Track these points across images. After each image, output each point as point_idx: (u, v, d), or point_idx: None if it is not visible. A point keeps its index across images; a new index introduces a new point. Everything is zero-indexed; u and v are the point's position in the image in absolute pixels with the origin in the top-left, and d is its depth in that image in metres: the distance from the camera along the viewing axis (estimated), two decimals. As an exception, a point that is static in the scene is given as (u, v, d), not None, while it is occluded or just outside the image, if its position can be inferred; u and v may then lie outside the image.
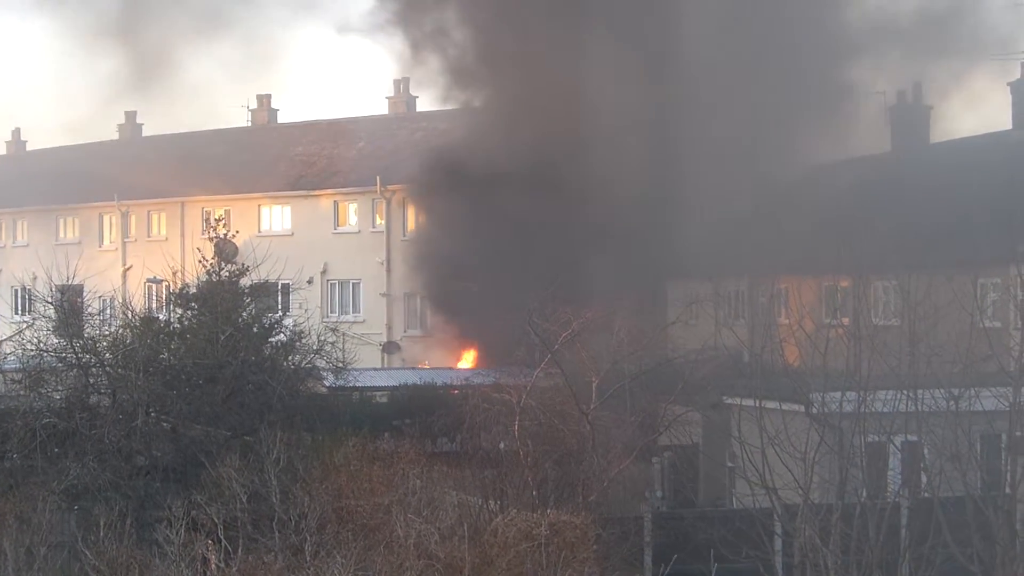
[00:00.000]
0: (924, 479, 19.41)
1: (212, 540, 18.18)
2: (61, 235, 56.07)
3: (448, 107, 44.77)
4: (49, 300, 25.74)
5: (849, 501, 18.59)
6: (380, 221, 48.42)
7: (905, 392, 18.52)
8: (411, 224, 47.51)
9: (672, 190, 39.28)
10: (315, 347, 26.45)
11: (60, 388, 24.52)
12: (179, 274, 28.10)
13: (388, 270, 47.31)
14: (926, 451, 19.19)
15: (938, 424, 18.64)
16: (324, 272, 48.34)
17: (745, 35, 40.25)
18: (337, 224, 49.80)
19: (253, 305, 26.77)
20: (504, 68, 39.26)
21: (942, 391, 18.59)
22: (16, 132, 65.96)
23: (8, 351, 26.48)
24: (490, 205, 38.70)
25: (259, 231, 48.62)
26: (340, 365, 26.93)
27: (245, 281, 26.97)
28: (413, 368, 38.91)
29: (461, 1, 40.89)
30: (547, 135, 37.96)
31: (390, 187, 47.31)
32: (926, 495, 19.18)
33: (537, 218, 38.05)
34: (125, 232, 54.62)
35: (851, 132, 42.93)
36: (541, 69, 38.69)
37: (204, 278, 26.99)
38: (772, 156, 42.79)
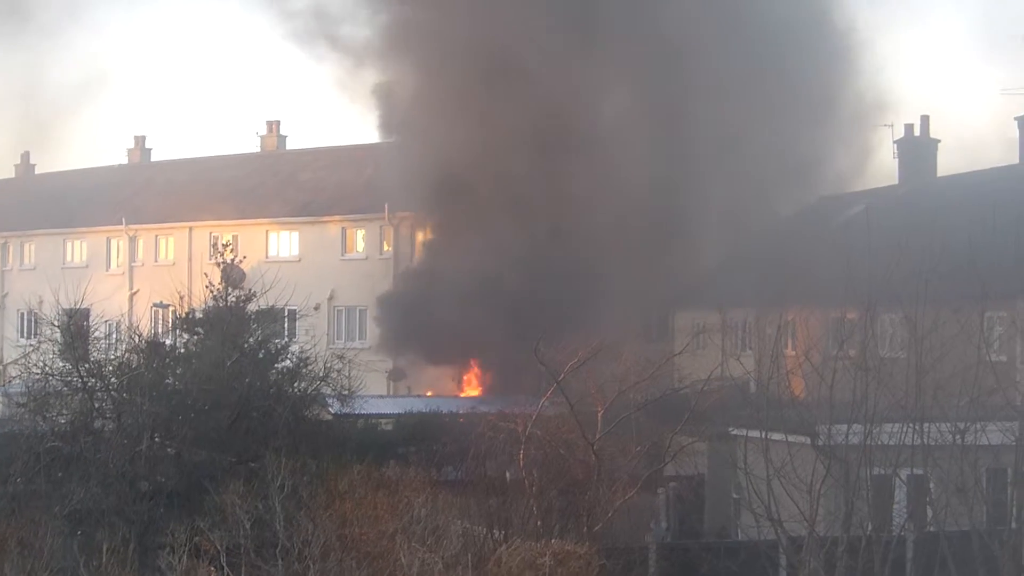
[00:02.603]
0: (930, 513, 19.32)
1: (215, 567, 18.13)
2: (68, 258, 56.18)
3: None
4: (55, 323, 25.74)
5: (855, 534, 18.51)
6: (388, 248, 48.46)
7: (911, 425, 18.46)
8: (419, 251, 47.57)
9: (681, 220, 39.37)
10: (321, 374, 26.44)
11: (65, 412, 24.51)
12: (186, 299, 28.11)
13: (395, 296, 47.27)
14: (932, 485, 19.11)
15: (944, 458, 18.56)
16: (331, 298, 48.36)
17: (755, 68, 40.43)
18: (345, 250, 49.84)
19: (259, 331, 26.77)
20: (512, 92, 39.32)
21: (948, 425, 18.52)
22: (25, 155, 66.21)
23: (14, 374, 26.49)
24: (496, 231, 38.76)
25: (267, 256, 48.69)
26: (346, 392, 26.91)
27: (252, 306, 26.97)
28: (419, 395, 38.87)
29: (469, 22, 40.93)
30: (557, 161, 38.06)
31: (398, 214, 47.35)
32: (932, 529, 19.09)
33: (545, 245, 38.10)
34: (132, 256, 54.71)
35: (859, 164, 43.11)
36: (551, 95, 38.79)
37: (211, 303, 27.01)
38: (780, 187, 42.95)
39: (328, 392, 26.61)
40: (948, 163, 41.86)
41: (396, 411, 31.49)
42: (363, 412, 27.98)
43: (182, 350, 26.72)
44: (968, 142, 57.88)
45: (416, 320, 41.27)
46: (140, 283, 53.22)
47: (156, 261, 53.86)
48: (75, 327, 25.68)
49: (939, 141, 41.87)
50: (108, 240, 55.59)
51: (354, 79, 45.72)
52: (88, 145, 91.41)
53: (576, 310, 34.21)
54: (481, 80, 39.70)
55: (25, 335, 42.94)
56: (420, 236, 46.98)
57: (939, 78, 75.69)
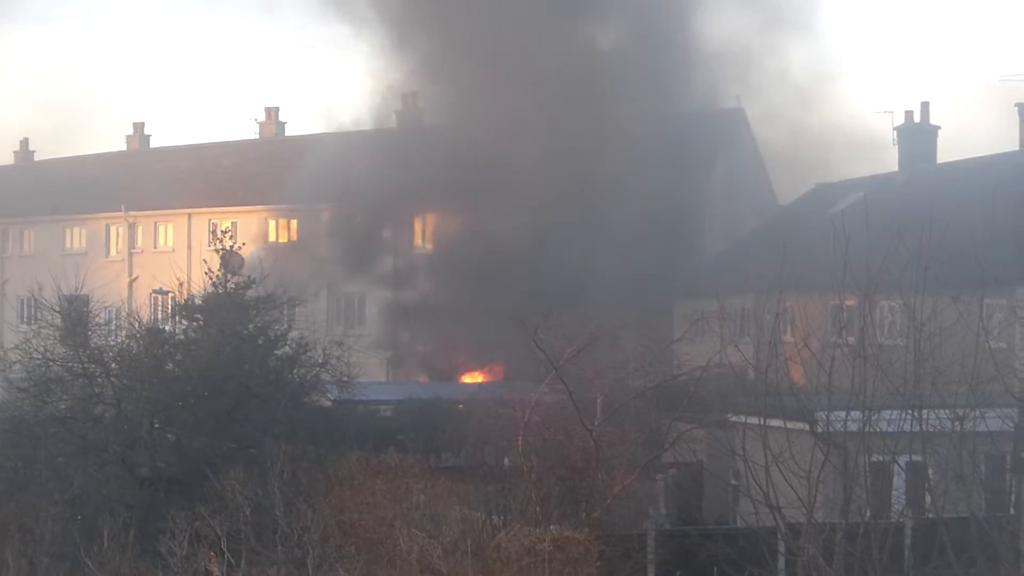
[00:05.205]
0: (928, 499, 19.35)
1: (215, 552, 18.16)
2: (68, 245, 56.15)
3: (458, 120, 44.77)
4: (56, 309, 25.78)
5: (853, 520, 18.53)
6: (387, 235, 48.37)
7: (910, 412, 18.48)
8: (418, 238, 47.53)
9: (680, 208, 39.41)
10: (320, 360, 26.46)
11: (65, 397, 24.57)
12: (185, 285, 28.13)
13: (395, 283, 47.28)
14: (930, 471, 19.14)
15: (943, 445, 18.58)
16: (331, 285, 48.29)
17: (747, 59, 40.52)
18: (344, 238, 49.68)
19: (259, 317, 26.79)
20: (516, 78, 39.37)
21: (947, 412, 18.53)
22: (24, 142, 66.13)
23: (14, 360, 26.55)
24: (498, 218, 38.77)
25: (266, 243, 48.61)
26: (345, 379, 26.93)
27: (251, 293, 26.98)
28: (418, 382, 38.89)
29: (477, 10, 41.00)
30: (559, 147, 38.08)
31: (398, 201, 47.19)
32: (930, 515, 19.12)
33: (545, 232, 38.13)
34: (132, 243, 54.69)
35: (858, 152, 43.15)
36: (554, 80, 38.83)
37: (210, 290, 27.02)
38: (778, 175, 42.99)
39: (327, 379, 26.64)
40: (949, 150, 41.91)
41: (395, 398, 31.52)
42: (362, 398, 28.01)
43: (181, 337, 26.76)
44: (968, 128, 57.91)
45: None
46: (139, 270, 53.20)
47: (155, 248, 53.84)
48: (75, 313, 25.73)
49: (939, 128, 41.86)
50: (107, 227, 55.57)
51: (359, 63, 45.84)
52: (87, 132, 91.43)
53: (575, 297, 34.24)
54: (490, 69, 39.74)
55: (25, 321, 42.94)
56: (419, 224, 46.98)
57: (939, 64, 75.63)
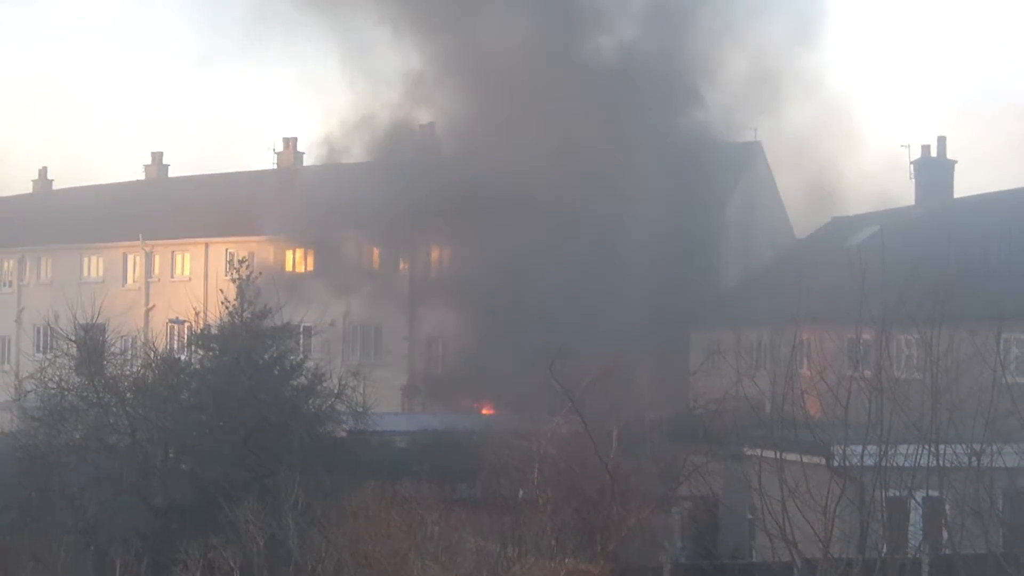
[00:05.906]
0: (945, 535, 19.23)
1: (228, 583, 18.12)
2: (85, 274, 56.31)
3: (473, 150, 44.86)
4: (72, 338, 25.82)
5: (870, 556, 18.41)
6: (403, 265, 48.42)
7: (927, 446, 18.37)
8: (433, 267, 47.55)
9: (697, 240, 39.40)
10: (336, 390, 26.44)
11: (80, 426, 24.58)
12: (201, 315, 28.16)
13: (410, 313, 47.30)
14: (947, 507, 19.02)
15: (960, 480, 18.47)
16: (346, 314, 48.34)
17: (765, 92, 40.58)
18: (361, 267, 49.77)
19: (274, 347, 26.80)
20: (530, 107, 39.48)
21: (964, 446, 18.42)
22: (43, 171, 66.44)
23: (29, 389, 26.60)
24: (513, 248, 38.80)
25: (283, 273, 48.65)
26: (360, 409, 26.90)
27: (267, 323, 27.00)
28: (434, 412, 38.81)
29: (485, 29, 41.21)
30: (573, 178, 38.12)
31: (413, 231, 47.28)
32: (947, 551, 18.99)
33: (561, 262, 38.13)
34: (149, 272, 54.82)
35: (875, 185, 43.14)
36: (570, 109, 38.92)
37: (226, 319, 27.05)
38: (795, 208, 42.95)
39: (342, 409, 26.60)
40: (965, 184, 41.86)
41: (410, 428, 31.47)
42: (377, 429, 27.96)
43: (197, 366, 26.77)
44: (985, 163, 57.84)
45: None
46: (156, 299, 53.31)
47: (172, 277, 53.96)
48: (91, 342, 25.77)
49: (956, 162, 41.85)
50: (125, 256, 55.72)
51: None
52: (106, 161, 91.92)
53: (592, 329, 34.20)
54: (502, 102, 39.88)
55: (41, 350, 43.03)
56: (435, 254, 47.04)
57: (956, 98, 75.58)
